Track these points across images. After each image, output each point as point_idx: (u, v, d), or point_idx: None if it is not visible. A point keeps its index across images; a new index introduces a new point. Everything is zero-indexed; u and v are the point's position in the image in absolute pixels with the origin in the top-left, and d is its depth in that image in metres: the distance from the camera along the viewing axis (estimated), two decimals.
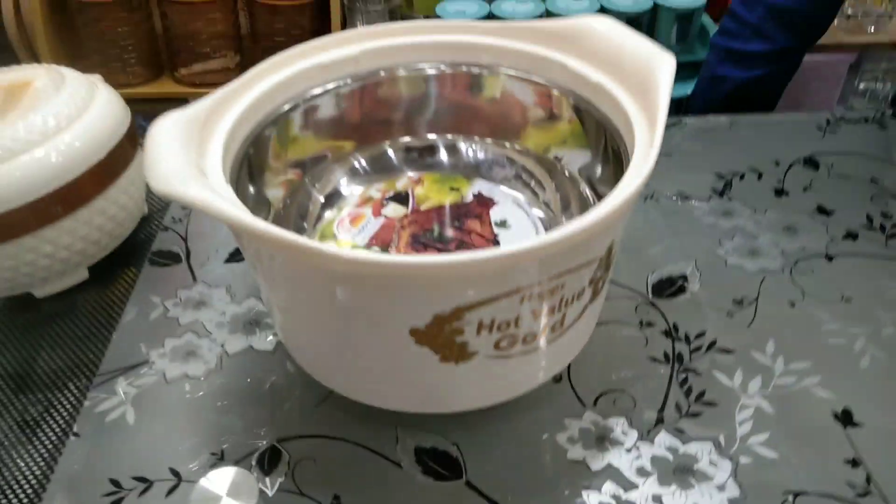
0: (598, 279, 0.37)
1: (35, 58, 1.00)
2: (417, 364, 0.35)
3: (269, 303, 0.40)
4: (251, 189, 0.41)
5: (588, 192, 0.45)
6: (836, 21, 1.09)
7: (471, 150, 0.50)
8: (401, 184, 0.51)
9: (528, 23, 0.45)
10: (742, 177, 0.57)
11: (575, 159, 0.47)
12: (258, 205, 0.42)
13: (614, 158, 0.41)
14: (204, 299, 0.48)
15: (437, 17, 1.02)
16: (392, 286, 0.32)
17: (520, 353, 0.36)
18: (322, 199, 0.47)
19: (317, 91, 0.45)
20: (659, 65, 0.39)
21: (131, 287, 0.49)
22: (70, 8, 1.02)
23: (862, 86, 1.16)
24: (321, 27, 1.08)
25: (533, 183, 0.48)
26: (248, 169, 0.41)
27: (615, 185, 0.41)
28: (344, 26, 1.09)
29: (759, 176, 0.57)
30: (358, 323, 0.35)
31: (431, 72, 0.48)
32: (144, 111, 1.17)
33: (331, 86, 0.46)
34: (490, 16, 1.03)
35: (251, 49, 1.08)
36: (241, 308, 0.47)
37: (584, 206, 0.45)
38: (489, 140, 0.50)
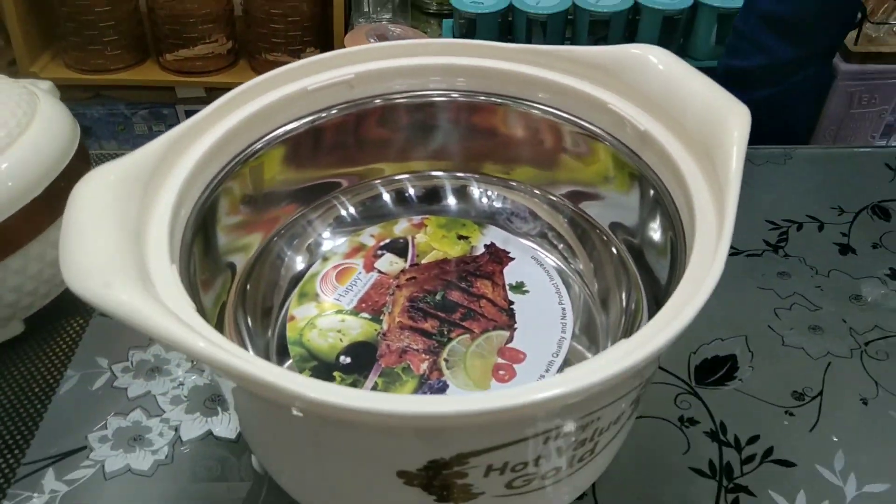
0: (640, 395, 0.29)
1: (6, 40, 0.91)
2: (408, 503, 0.28)
3: (230, 403, 0.32)
4: (209, 255, 0.33)
5: (629, 261, 0.37)
6: None
7: (485, 195, 0.42)
8: (399, 229, 0.43)
9: (565, 49, 0.37)
10: (800, 227, 0.49)
11: (608, 212, 0.39)
12: (218, 272, 0.34)
13: (664, 223, 0.33)
14: (159, 364, 0.40)
15: (452, 6, 0.93)
16: (375, 430, 0.24)
17: (537, 489, 0.29)
18: (299, 257, 0.40)
19: (296, 124, 0.37)
20: (729, 120, 0.31)
21: (75, 344, 0.41)
22: None
23: None
24: (322, 12, 0.99)
25: (562, 246, 0.40)
26: (205, 229, 0.33)
27: (664, 255, 0.33)
28: (348, 13, 1.00)
29: (821, 227, 0.49)
30: (331, 456, 0.27)
31: (441, 100, 0.40)
32: (127, 99, 1.09)
33: (314, 117, 0.38)
34: (510, 8, 0.93)
35: (244, 34, 0.99)
36: (203, 378, 0.39)
37: (619, 281, 0.37)
38: (513, 183, 0.42)
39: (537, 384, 0.22)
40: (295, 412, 0.22)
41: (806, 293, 0.44)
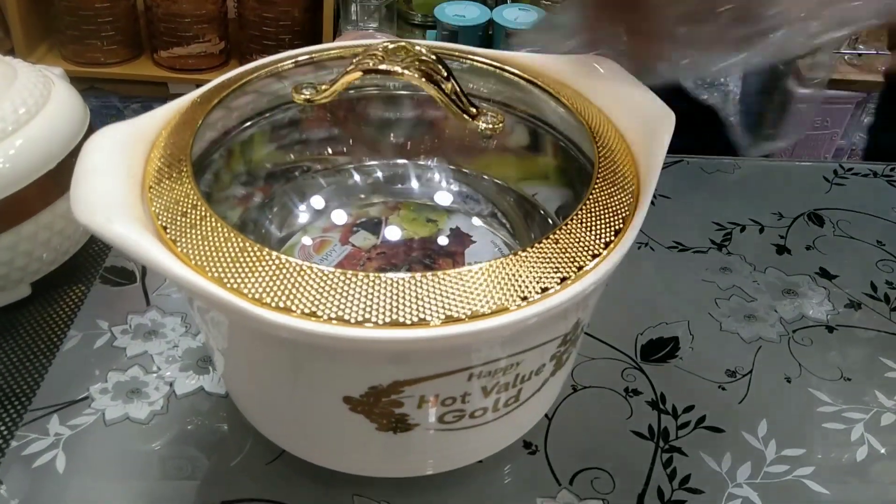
0: (562, 354, 0.34)
1: (6, 31, 0.94)
2: (353, 430, 0.32)
3: (208, 343, 0.36)
4: None
5: None
6: (846, 58, 1.05)
7: (445, 180, 0.47)
8: (375, 210, 0.47)
9: (524, 55, 0.42)
10: (743, 229, 0.54)
11: (554, 198, 0.43)
12: None
13: None
14: (156, 328, 0.44)
15: (436, 18, 0.98)
16: (325, 353, 0.28)
17: (468, 427, 0.33)
18: (281, 223, 0.44)
19: (283, 108, 0.41)
20: (658, 122, 0.36)
21: (78, 307, 0.45)
22: None
23: (866, 120, 1.13)
24: (313, 18, 1.03)
25: (510, 226, 0.44)
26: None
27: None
28: (336, 20, 1.04)
29: (761, 229, 0.54)
30: (288, 381, 0.31)
31: (407, 93, 0.44)
32: (120, 92, 1.12)
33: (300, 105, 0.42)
34: (490, 21, 0.99)
35: (237, 36, 1.03)
36: (196, 342, 0.43)
37: None
38: (466, 171, 0.46)
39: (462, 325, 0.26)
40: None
41: (744, 286, 0.49)
